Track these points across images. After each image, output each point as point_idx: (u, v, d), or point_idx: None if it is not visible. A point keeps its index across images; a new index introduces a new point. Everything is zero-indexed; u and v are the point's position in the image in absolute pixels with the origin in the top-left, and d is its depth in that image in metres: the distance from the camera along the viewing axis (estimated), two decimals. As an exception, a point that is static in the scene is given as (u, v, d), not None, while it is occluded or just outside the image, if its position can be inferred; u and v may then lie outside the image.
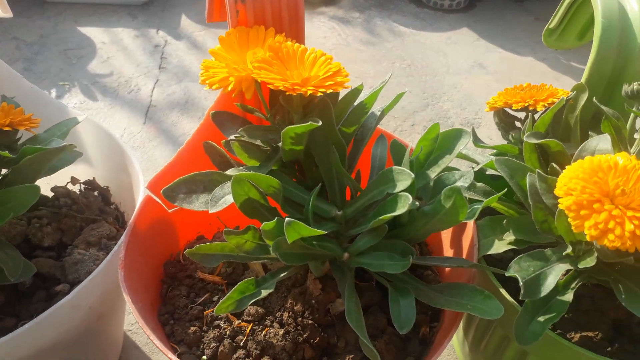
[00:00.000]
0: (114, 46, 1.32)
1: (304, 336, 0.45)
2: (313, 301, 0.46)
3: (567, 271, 0.45)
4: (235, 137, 0.45)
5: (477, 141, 0.56)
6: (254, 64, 0.40)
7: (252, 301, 0.41)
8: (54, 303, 0.46)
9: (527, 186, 0.43)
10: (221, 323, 0.47)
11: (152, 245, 0.51)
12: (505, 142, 0.55)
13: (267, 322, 0.46)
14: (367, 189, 0.44)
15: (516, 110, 0.52)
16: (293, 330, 0.45)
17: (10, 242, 0.49)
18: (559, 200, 0.38)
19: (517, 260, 0.42)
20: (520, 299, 0.40)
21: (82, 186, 0.62)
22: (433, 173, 0.45)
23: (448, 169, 0.46)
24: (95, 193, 0.62)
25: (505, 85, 0.54)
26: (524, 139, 0.48)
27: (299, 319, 0.46)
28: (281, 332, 0.45)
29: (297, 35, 0.49)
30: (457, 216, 0.40)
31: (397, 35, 1.45)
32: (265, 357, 0.44)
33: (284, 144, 0.41)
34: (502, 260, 0.53)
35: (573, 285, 0.43)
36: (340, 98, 0.46)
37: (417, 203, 0.42)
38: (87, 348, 0.55)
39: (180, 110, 1.13)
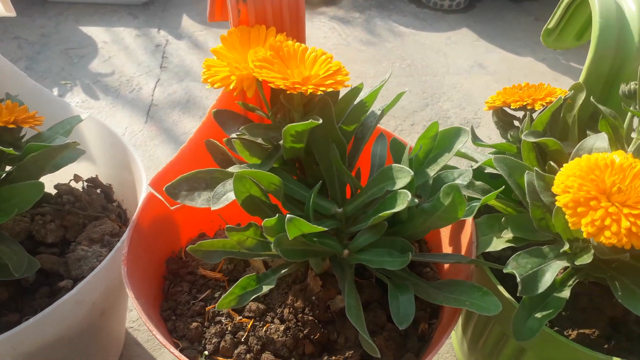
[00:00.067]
0: (115, 45, 1.33)
1: (305, 332, 0.45)
2: (313, 298, 0.47)
3: (565, 268, 0.45)
4: (237, 135, 0.46)
5: (476, 139, 0.57)
6: (256, 63, 0.41)
7: (253, 297, 0.42)
8: (57, 299, 0.46)
9: (525, 184, 0.44)
10: (222, 319, 0.48)
11: (155, 242, 0.52)
12: (503, 140, 0.55)
13: (268, 318, 0.47)
14: (366, 186, 0.45)
15: (515, 110, 0.53)
16: (294, 326, 0.45)
17: (14, 238, 0.50)
18: (556, 197, 0.38)
19: (514, 257, 0.42)
20: (517, 295, 0.41)
21: (85, 184, 0.63)
22: (432, 171, 0.46)
23: (447, 167, 0.47)
24: (98, 190, 0.63)
25: (505, 85, 0.55)
26: (522, 137, 0.48)
27: (300, 315, 0.46)
28: (282, 328, 0.45)
29: (298, 34, 0.50)
30: (456, 213, 0.40)
31: (397, 35, 1.46)
32: (266, 352, 0.45)
33: (285, 141, 0.42)
34: (501, 258, 0.54)
35: (570, 282, 0.44)
36: (340, 97, 0.46)
37: (416, 200, 0.43)
38: (90, 344, 0.55)
39: (181, 110, 1.14)
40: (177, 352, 0.40)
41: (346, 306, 0.41)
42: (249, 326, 0.46)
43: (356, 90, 0.46)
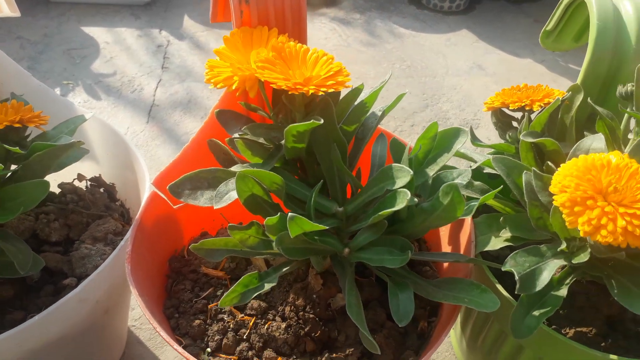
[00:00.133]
0: (117, 46, 1.33)
1: (306, 330, 0.46)
2: (314, 296, 0.47)
3: (562, 267, 0.46)
4: (239, 135, 0.47)
5: (474, 140, 0.57)
6: (258, 64, 0.41)
7: (255, 294, 0.43)
8: (61, 297, 0.47)
9: (523, 184, 0.44)
10: (225, 317, 0.48)
11: (158, 241, 0.52)
12: (502, 141, 0.56)
13: (270, 316, 0.47)
14: (367, 186, 0.45)
15: (513, 110, 0.53)
16: (295, 324, 0.46)
17: (19, 236, 0.50)
18: (553, 197, 0.39)
19: (513, 255, 0.43)
20: (516, 293, 0.42)
21: (88, 183, 0.63)
22: (431, 171, 0.46)
23: (446, 167, 0.47)
24: (101, 190, 0.63)
25: (504, 86, 0.55)
26: (521, 138, 0.49)
27: (301, 313, 0.47)
28: (283, 325, 0.46)
29: (300, 35, 0.50)
30: (455, 212, 0.41)
31: (397, 36, 1.46)
32: (268, 349, 0.45)
33: (286, 141, 0.43)
34: (499, 257, 0.54)
35: (567, 280, 0.45)
36: (341, 97, 0.47)
37: (415, 200, 0.43)
38: (93, 342, 0.56)
39: (182, 110, 1.15)
40: (180, 349, 0.41)
41: (347, 304, 0.42)
42: (250, 324, 0.47)
43: (357, 91, 0.47)
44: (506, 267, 0.42)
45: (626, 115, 0.50)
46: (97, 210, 0.59)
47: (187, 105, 1.16)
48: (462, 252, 0.50)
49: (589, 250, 0.42)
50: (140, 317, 0.74)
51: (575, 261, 0.42)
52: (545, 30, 0.64)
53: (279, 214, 0.40)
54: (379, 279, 0.50)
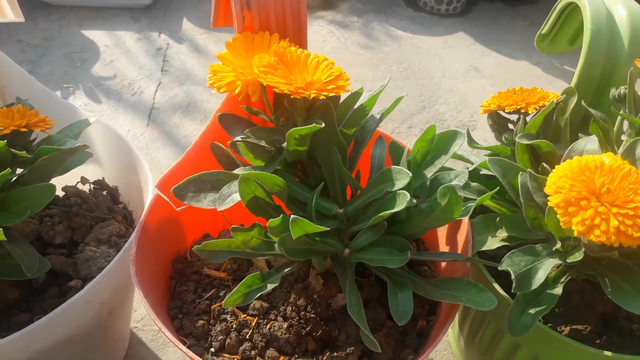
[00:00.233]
0: (117, 49, 1.34)
1: (307, 329, 0.47)
2: (315, 296, 0.48)
3: (557, 266, 0.47)
4: (241, 138, 0.47)
5: (471, 142, 0.58)
6: (260, 69, 0.42)
7: (258, 295, 0.43)
8: (66, 299, 0.47)
9: (519, 185, 0.45)
10: (228, 317, 0.49)
11: (161, 243, 0.53)
12: (498, 143, 0.57)
13: (272, 316, 0.48)
14: (367, 187, 0.46)
15: (509, 113, 0.54)
16: (296, 323, 0.47)
17: (24, 239, 0.51)
18: (548, 198, 0.39)
19: (509, 255, 0.44)
20: (512, 292, 0.42)
21: (92, 186, 0.64)
22: (429, 173, 0.47)
23: (444, 168, 0.48)
24: (104, 192, 0.64)
25: (501, 88, 0.56)
26: (516, 140, 0.50)
27: (302, 312, 0.47)
28: (285, 325, 0.47)
29: (300, 40, 0.51)
30: (452, 213, 0.42)
31: (395, 39, 1.47)
32: (271, 349, 0.46)
33: (288, 144, 0.43)
34: (495, 257, 0.55)
35: (562, 279, 0.45)
36: (341, 101, 0.48)
37: (414, 201, 0.44)
38: (98, 343, 0.57)
39: (182, 113, 1.15)
40: (185, 349, 0.42)
41: (348, 303, 0.42)
42: (253, 324, 0.48)
43: (356, 95, 0.48)
44: (503, 267, 0.43)
45: (619, 117, 0.51)
46: (101, 213, 0.60)
47: (186, 108, 1.17)
48: (459, 252, 0.51)
49: (583, 249, 0.43)
50: (142, 319, 0.75)
51: (569, 260, 0.43)
52: (541, 33, 0.65)
53: (281, 215, 0.41)
54: (378, 279, 0.51)
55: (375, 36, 1.48)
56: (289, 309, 0.48)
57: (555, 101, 0.51)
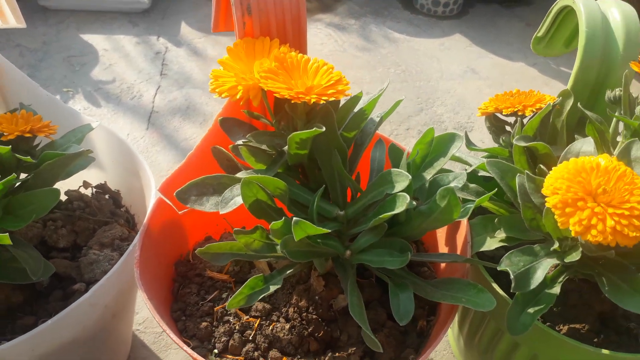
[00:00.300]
0: (116, 53, 1.34)
1: (309, 330, 0.47)
2: (316, 297, 0.49)
3: (555, 266, 0.47)
4: (243, 142, 0.48)
5: (469, 144, 0.59)
6: (262, 74, 0.43)
7: (261, 296, 0.44)
8: (70, 302, 0.48)
9: (517, 186, 0.46)
10: (231, 319, 0.50)
11: (164, 246, 0.54)
12: (496, 145, 0.58)
13: (274, 317, 0.49)
14: (367, 190, 0.47)
15: (506, 115, 0.55)
16: (298, 324, 0.47)
17: (28, 243, 0.51)
18: (546, 199, 0.40)
19: (508, 255, 0.45)
20: (511, 291, 0.43)
21: (94, 190, 0.64)
22: (428, 175, 0.48)
23: (442, 170, 0.49)
24: (107, 196, 0.64)
25: (497, 90, 0.57)
26: (514, 142, 0.51)
27: (304, 314, 0.48)
28: (287, 326, 0.47)
29: (300, 45, 0.52)
30: (452, 215, 0.43)
31: (392, 41, 1.48)
32: (273, 350, 0.47)
33: (289, 148, 0.44)
34: (494, 257, 0.56)
35: (560, 279, 0.46)
36: (340, 105, 0.49)
37: (414, 203, 0.45)
38: (101, 346, 0.57)
39: (182, 116, 1.16)
40: (190, 350, 0.42)
41: (349, 304, 0.43)
42: (255, 325, 0.48)
43: (356, 99, 0.48)
44: (501, 267, 0.44)
45: (614, 119, 0.52)
46: (103, 217, 0.60)
47: (185, 112, 1.17)
48: (458, 252, 0.51)
49: (581, 249, 0.44)
50: (144, 321, 0.75)
51: (567, 260, 0.44)
52: (537, 36, 0.66)
53: (283, 218, 0.41)
54: (378, 281, 0.51)
55: (373, 39, 1.49)
56: (290, 310, 0.49)
57: (551, 103, 0.52)
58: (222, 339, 0.48)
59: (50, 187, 0.47)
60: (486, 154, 0.59)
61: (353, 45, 1.46)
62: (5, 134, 0.48)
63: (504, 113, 0.54)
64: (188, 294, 0.52)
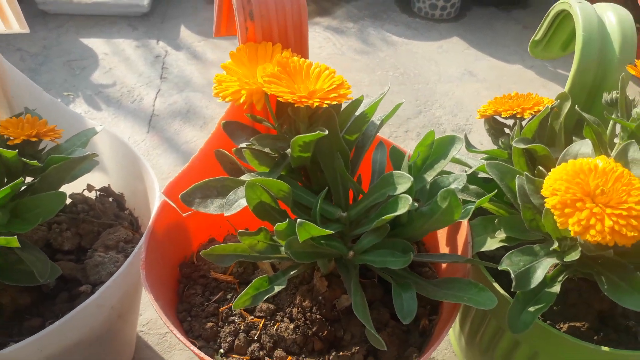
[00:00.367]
0: (116, 57, 1.35)
1: (313, 330, 0.48)
2: (320, 297, 0.49)
3: (555, 265, 0.48)
4: (246, 145, 0.49)
5: (469, 146, 0.59)
6: (265, 78, 0.43)
7: (266, 297, 0.44)
8: (76, 304, 0.49)
9: (516, 188, 0.46)
10: (236, 319, 0.50)
11: (169, 247, 0.54)
12: (495, 147, 0.58)
13: (278, 318, 0.49)
14: (369, 192, 0.47)
15: (505, 118, 0.56)
16: (302, 324, 0.48)
17: (35, 246, 0.52)
18: (545, 200, 0.41)
19: (508, 255, 0.45)
20: (512, 290, 0.44)
21: (98, 193, 0.65)
22: (429, 177, 0.49)
23: (443, 172, 0.49)
24: (110, 199, 0.65)
25: (495, 92, 0.58)
26: (513, 144, 0.51)
27: (308, 314, 0.49)
28: (291, 326, 0.48)
29: (302, 50, 0.52)
30: (452, 216, 0.43)
31: (390, 44, 1.49)
32: (278, 349, 0.47)
33: (293, 151, 0.45)
34: (495, 257, 0.56)
35: (560, 278, 0.47)
36: (342, 108, 0.49)
37: (415, 204, 0.46)
38: (107, 347, 0.58)
39: (182, 119, 1.17)
40: (196, 350, 0.43)
41: (353, 304, 0.44)
42: (260, 325, 0.49)
43: (357, 102, 0.49)
44: (502, 266, 0.44)
45: (612, 121, 0.53)
46: (107, 219, 0.61)
47: (186, 115, 1.18)
48: (459, 253, 0.52)
49: (580, 249, 0.44)
50: (148, 323, 0.76)
51: (567, 259, 0.44)
52: (534, 40, 0.66)
53: (287, 220, 0.42)
54: (380, 281, 0.52)
55: (371, 42, 1.50)
56: (294, 310, 0.49)
57: (549, 106, 0.52)
58: (228, 339, 0.48)
59: (56, 191, 0.48)
60: (485, 155, 0.60)
61: (351, 48, 1.47)
62: (11, 138, 0.49)
63: (502, 116, 0.55)
64: (193, 295, 0.53)
